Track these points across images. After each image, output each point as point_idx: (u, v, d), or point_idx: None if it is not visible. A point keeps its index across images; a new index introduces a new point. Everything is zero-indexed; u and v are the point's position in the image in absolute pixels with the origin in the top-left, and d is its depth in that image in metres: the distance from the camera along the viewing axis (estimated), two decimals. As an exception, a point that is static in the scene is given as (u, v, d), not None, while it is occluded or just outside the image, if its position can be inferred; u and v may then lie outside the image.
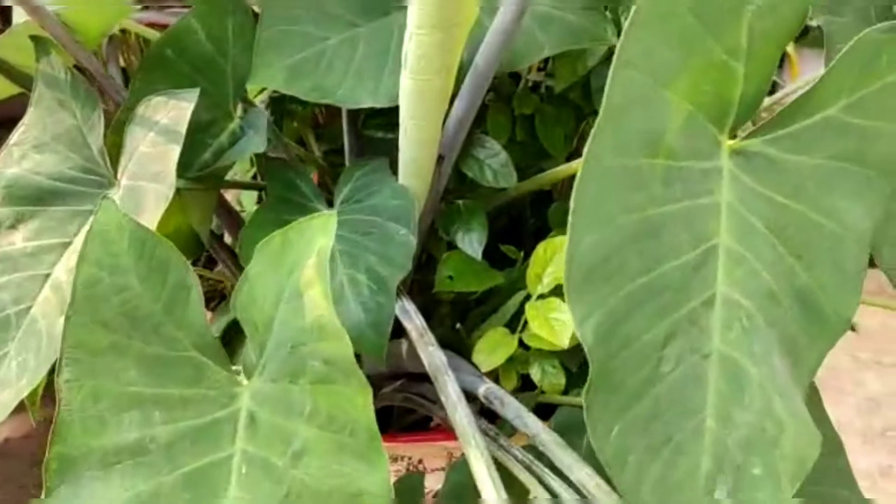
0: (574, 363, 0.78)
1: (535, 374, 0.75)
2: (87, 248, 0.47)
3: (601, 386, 0.46)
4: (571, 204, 0.45)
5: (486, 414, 0.67)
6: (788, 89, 0.78)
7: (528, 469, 0.57)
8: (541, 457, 0.57)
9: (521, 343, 0.75)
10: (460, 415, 0.54)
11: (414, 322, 0.63)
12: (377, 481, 0.47)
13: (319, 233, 0.47)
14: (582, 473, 0.51)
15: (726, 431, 0.47)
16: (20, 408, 0.63)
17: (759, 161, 0.51)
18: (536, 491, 0.55)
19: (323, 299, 0.45)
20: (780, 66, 1.15)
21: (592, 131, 0.45)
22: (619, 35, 0.73)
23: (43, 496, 0.49)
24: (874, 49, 0.50)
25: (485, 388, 0.64)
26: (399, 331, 0.69)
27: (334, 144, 0.96)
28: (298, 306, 0.47)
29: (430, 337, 0.61)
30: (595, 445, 0.46)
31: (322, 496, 0.47)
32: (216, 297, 1.04)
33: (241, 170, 1.02)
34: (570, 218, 0.45)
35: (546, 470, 0.56)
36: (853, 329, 0.55)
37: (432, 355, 0.59)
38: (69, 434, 0.48)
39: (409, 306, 0.65)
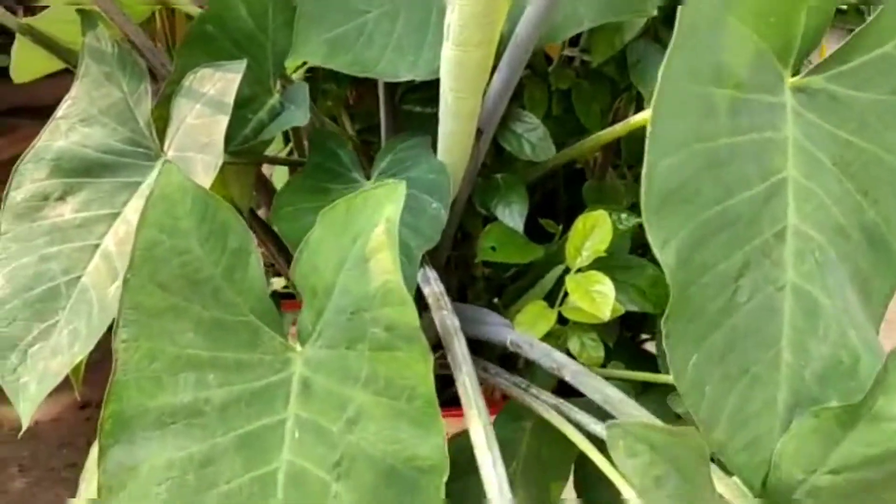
0: (611, 337, 0.78)
1: (573, 347, 0.75)
2: (149, 211, 0.48)
3: (680, 313, 0.47)
4: (648, 126, 0.46)
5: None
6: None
7: (557, 409, 0.57)
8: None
9: (559, 318, 0.75)
10: (464, 377, 0.54)
11: (432, 288, 0.64)
12: (433, 447, 0.47)
13: (387, 200, 0.47)
14: (609, 391, 0.52)
15: (802, 363, 0.48)
16: (51, 391, 0.64)
17: (822, 98, 0.51)
18: (565, 429, 0.55)
19: (391, 264, 0.46)
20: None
21: (667, 52, 0.46)
22: (659, 6, 0.73)
23: (97, 454, 0.50)
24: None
25: (512, 335, 0.64)
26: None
27: (366, 123, 0.97)
28: (363, 272, 0.47)
29: (446, 302, 0.62)
30: (673, 374, 0.47)
31: (376, 461, 0.48)
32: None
33: (274, 149, 1.02)
34: (647, 140, 0.46)
35: (574, 408, 0.56)
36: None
37: (445, 319, 0.59)
38: (124, 394, 0.49)
39: (430, 273, 0.65)
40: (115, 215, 0.65)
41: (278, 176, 1.10)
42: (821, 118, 0.51)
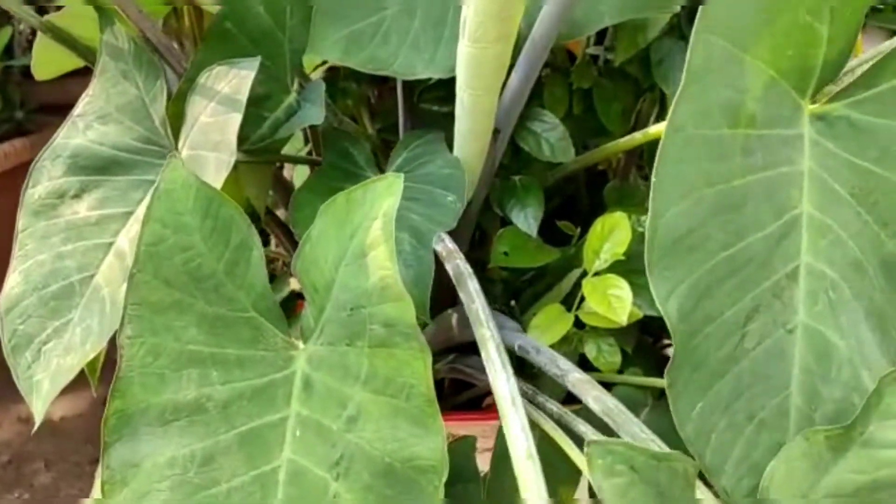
0: (629, 343, 0.77)
1: (590, 352, 0.74)
2: (153, 207, 0.48)
3: (684, 363, 0.46)
4: (653, 175, 0.45)
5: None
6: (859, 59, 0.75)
7: (560, 420, 0.55)
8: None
9: (576, 322, 0.74)
10: (477, 308, 0.52)
11: (445, 244, 0.63)
12: (432, 447, 0.46)
13: (385, 194, 0.47)
14: (609, 402, 0.50)
15: (812, 407, 0.46)
16: (75, 387, 0.64)
17: (842, 125, 0.49)
18: (563, 443, 0.54)
19: (388, 260, 0.45)
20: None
21: (675, 98, 0.45)
22: (683, 4, 0.72)
23: (101, 451, 0.50)
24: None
25: (520, 340, 0.63)
26: (451, 302, 0.69)
27: (387, 122, 0.97)
28: (361, 267, 0.46)
29: (459, 255, 0.61)
30: (677, 422, 0.46)
31: (375, 461, 0.47)
32: (269, 275, 1.05)
33: (293, 148, 1.02)
34: (651, 190, 0.45)
35: (578, 419, 0.55)
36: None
37: (458, 266, 0.58)
38: (128, 390, 0.49)
39: (444, 235, 0.65)
40: (129, 214, 0.65)
41: (299, 175, 1.10)
42: (839, 147, 0.49)
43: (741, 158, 0.47)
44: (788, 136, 0.49)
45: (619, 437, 0.48)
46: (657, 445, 0.46)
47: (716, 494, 0.46)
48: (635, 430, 0.47)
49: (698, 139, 0.46)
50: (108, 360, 0.68)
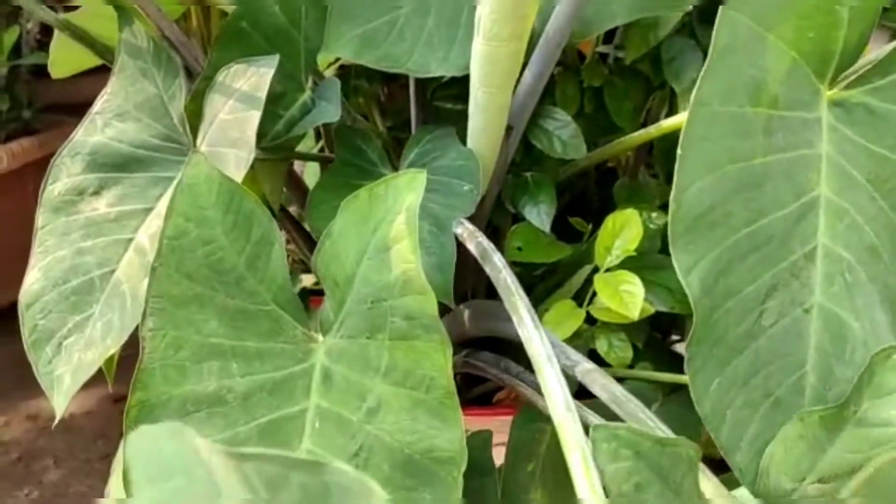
0: (640, 338, 0.77)
1: (601, 347, 0.75)
2: (176, 201, 0.49)
3: (704, 338, 0.46)
4: (679, 150, 0.45)
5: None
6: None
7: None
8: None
9: (587, 318, 0.75)
10: (504, 275, 0.53)
11: (465, 226, 0.64)
12: (451, 438, 0.47)
13: (407, 188, 0.47)
14: (616, 389, 0.51)
15: (827, 387, 0.47)
16: (85, 384, 0.65)
17: (860, 112, 0.50)
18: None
19: (411, 253, 0.46)
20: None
21: (701, 74, 0.45)
22: (694, 4, 0.72)
23: (123, 441, 0.50)
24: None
25: None
26: (462, 297, 0.69)
27: (398, 120, 0.97)
28: (383, 261, 0.47)
29: (480, 233, 0.62)
30: (694, 398, 0.46)
31: (394, 452, 0.47)
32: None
33: (306, 146, 1.03)
34: (677, 164, 0.45)
35: (589, 411, 0.56)
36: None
37: (481, 243, 0.59)
38: (150, 382, 0.50)
39: (463, 220, 0.66)
40: (149, 210, 0.66)
41: (310, 172, 1.11)
42: (856, 133, 0.50)
43: (763, 137, 0.47)
44: (807, 119, 0.49)
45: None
46: (662, 432, 0.47)
47: (721, 481, 0.46)
48: (642, 417, 0.47)
49: (723, 116, 0.47)
50: (122, 357, 0.69)
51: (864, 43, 0.50)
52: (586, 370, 0.53)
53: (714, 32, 0.46)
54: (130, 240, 0.65)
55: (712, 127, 0.46)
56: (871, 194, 0.49)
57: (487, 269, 0.56)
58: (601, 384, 0.51)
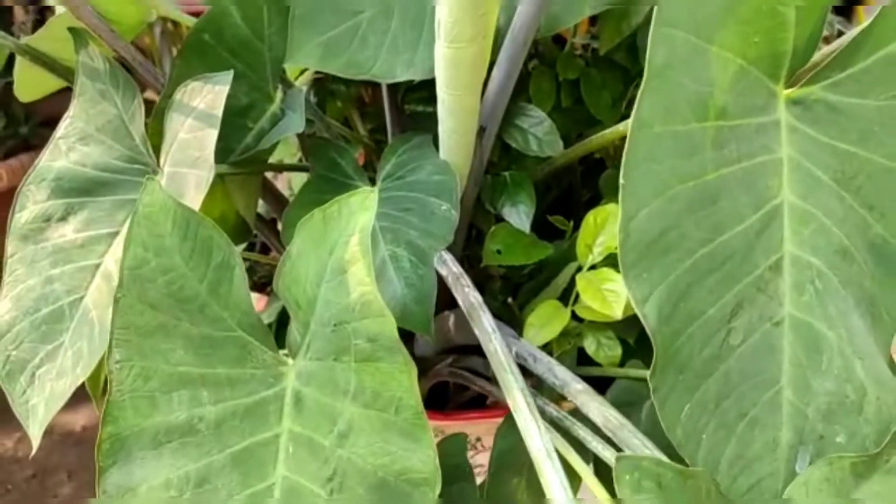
0: (631, 334, 0.76)
1: (589, 346, 0.73)
2: (133, 230, 0.47)
3: (667, 366, 0.45)
4: (621, 177, 0.43)
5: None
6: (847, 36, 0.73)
7: (558, 424, 0.55)
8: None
9: (575, 316, 0.73)
10: (494, 345, 0.52)
11: (450, 268, 0.62)
12: (423, 459, 0.46)
13: (360, 209, 0.46)
14: (610, 415, 0.50)
15: (805, 401, 0.45)
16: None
17: (820, 108, 0.48)
18: (563, 449, 0.53)
19: (367, 276, 0.45)
20: (849, 19, 1.09)
21: (637, 97, 0.43)
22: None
23: (97, 477, 0.50)
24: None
25: (517, 346, 0.62)
26: (447, 304, 0.68)
27: (379, 122, 0.96)
28: (341, 283, 0.46)
29: (467, 280, 0.60)
30: (665, 426, 0.45)
31: (368, 475, 0.47)
32: (272, 283, 1.05)
33: (287, 154, 1.02)
34: (620, 191, 0.43)
35: (577, 422, 0.54)
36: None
37: (468, 296, 0.58)
38: (120, 415, 0.49)
39: (446, 255, 0.64)
40: (115, 234, 0.65)
41: (298, 181, 1.09)
42: (818, 131, 0.48)
43: (713, 151, 0.45)
44: (764, 123, 0.47)
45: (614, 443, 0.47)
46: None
47: None
48: (635, 444, 0.46)
49: (666, 136, 0.44)
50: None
51: (816, 40, 0.48)
52: (577, 391, 0.52)
53: (648, 52, 0.43)
54: (98, 265, 0.64)
55: (656, 148, 0.44)
56: (838, 194, 0.47)
57: (477, 332, 0.55)
58: (595, 409, 0.50)
